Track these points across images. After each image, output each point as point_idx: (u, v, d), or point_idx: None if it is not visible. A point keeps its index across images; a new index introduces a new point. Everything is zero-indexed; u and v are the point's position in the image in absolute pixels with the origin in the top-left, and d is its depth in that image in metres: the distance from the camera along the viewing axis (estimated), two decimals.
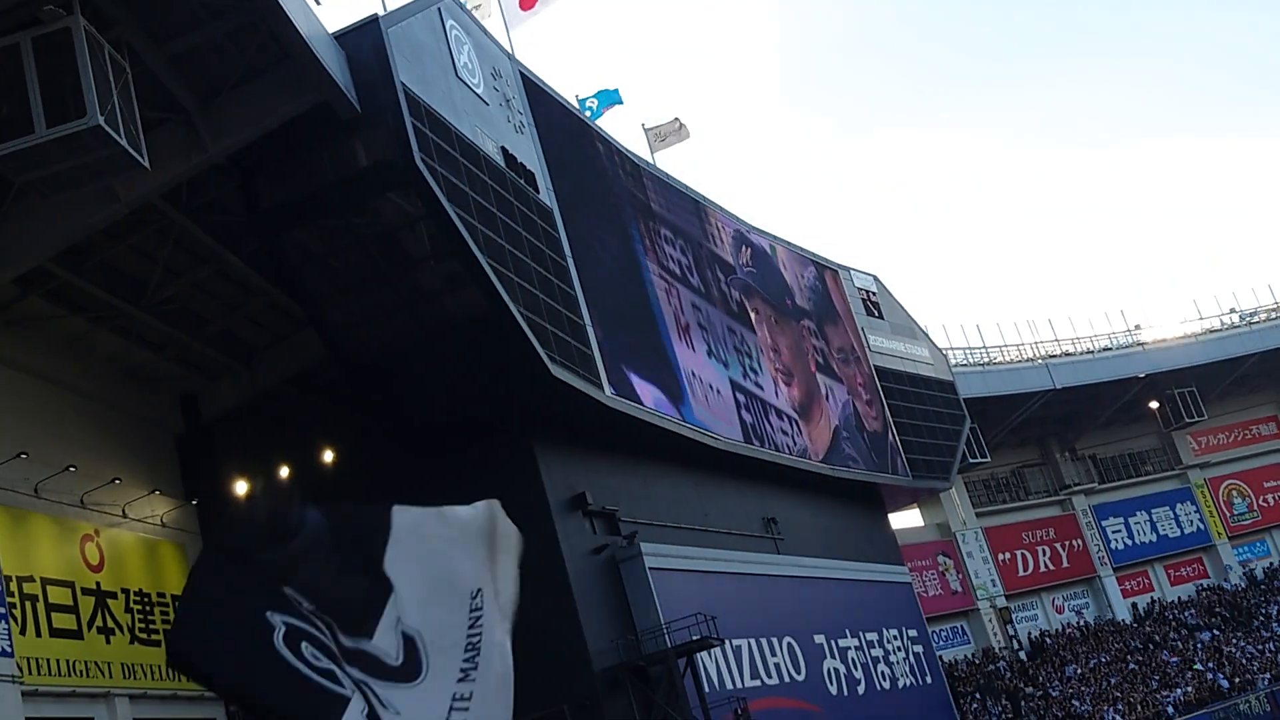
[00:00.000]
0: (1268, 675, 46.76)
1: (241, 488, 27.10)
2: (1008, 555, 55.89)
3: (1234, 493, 60.83)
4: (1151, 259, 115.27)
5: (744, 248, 41.25)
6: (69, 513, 24.24)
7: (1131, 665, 49.49)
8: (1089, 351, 57.17)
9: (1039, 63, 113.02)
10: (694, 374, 33.16)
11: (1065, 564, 57.16)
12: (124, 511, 25.68)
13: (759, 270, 41.62)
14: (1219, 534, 59.59)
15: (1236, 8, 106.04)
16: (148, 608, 25.69)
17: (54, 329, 25.03)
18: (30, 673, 21.48)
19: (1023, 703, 47.21)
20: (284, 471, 27.24)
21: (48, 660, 22.36)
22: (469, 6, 29.40)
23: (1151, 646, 51.48)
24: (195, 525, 28.08)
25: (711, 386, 34.26)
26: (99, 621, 24.12)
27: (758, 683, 31.89)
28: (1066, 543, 57.49)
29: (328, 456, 26.95)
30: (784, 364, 40.29)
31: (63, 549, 23.95)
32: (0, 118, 15.77)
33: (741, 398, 35.90)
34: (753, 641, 31.94)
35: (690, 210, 38.31)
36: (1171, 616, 54.76)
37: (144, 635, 25.23)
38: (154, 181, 19.60)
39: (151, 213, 23.02)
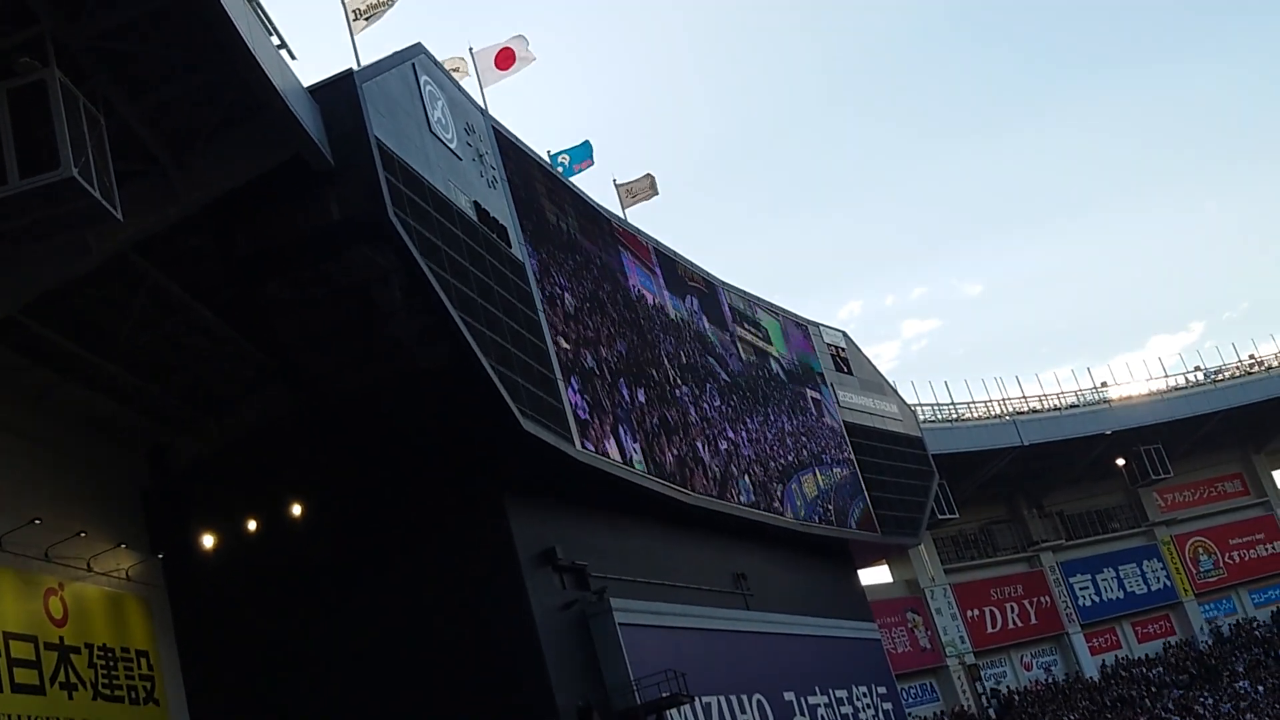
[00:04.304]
0: None
1: (209, 541, 26.87)
2: (976, 612, 55.89)
3: (1200, 550, 61.12)
4: (1119, 317, 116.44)
5: (718, 301, 41.50)
6: (33, 566, 23.88)
7: None
8: (1056, 409, 57.57)
9: (1009, 123, 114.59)
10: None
11: (1034, 621, 57.20)
12: (89, 565, 25.35)
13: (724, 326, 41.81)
14: (1185, 591, 59.81)
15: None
16: (111, 663, 25.32)
17: (21, 380, 24.79)
18: None
19: None
20: (251, 524, 27.03)
21: (9, 716, 21.98)
22: (446, 67, 29.59)
23: (1120, 704, 51.42)
24: (161, 579, 27.76)
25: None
26: (62, 677, 23.73)
27: None
28: (1035, 599, 57.56)
29: (296, 510, 26.76)
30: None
31: (26, 603, 23.59)
32: None
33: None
34: (723, 699, 31.75)
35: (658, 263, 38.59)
36: (1139, 674, 54.77)
37: (107, 691, 24.85)
38: (126, 233, 19.52)
39: (123, 264, 22.93)
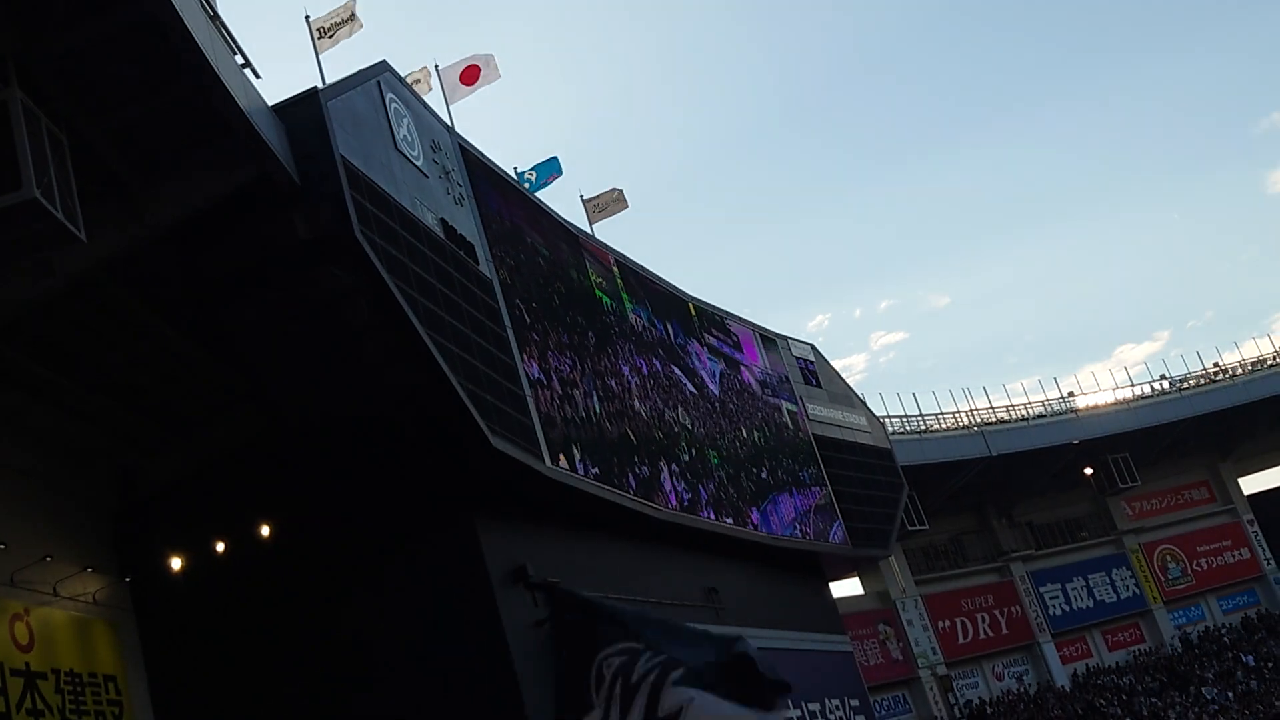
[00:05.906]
0: None
1: (176, 564, 26.65)
2: (947, 623, 56.05)
3: (1168, 558, 61.57)
4: (1085, 327, 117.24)
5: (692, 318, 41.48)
6: None
7: None
8: (1024, 419, 57.90)
9: (973, 135, 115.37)
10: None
11: (1005, 631, 57.45)
12: (55, 589, 25.08)
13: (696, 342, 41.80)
14: (1154, 599, 60.23)
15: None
16: (79, 689, 25.04)
17: None
18: None
19: None
20: (220, 546, 26.83)
21: None
22: (409, 81, 29.54)
23: (1091, 712, 51.65)
24: (128, 603, 27.50)
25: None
26: (28, 703, 23.42)
27: None
28: (1005, 609, 57.81)
29: (265, 531, 26.59)
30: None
31: None
32: None
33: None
34: None
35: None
36: (1110, 682, 55.03)
37: (75, 717, 24.59)
38: (91, 254, 19.38)
39: (88, 285, 22.76)
